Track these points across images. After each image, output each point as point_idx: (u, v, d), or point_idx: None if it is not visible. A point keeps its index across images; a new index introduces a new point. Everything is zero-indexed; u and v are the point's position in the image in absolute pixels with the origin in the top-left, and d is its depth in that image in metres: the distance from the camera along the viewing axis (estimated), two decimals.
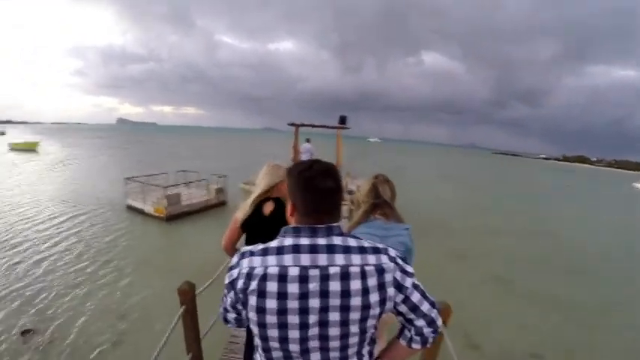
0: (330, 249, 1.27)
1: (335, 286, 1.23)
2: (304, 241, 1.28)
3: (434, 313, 1.38)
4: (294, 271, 1.23)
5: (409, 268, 1.36)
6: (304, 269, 1.24)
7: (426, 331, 1.39)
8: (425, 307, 1.36)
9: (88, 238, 11.81)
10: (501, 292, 9.59)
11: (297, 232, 1.31)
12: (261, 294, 1.25)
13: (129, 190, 15.73)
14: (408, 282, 1.33)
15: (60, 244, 11.22)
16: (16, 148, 46.77)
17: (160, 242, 12.12)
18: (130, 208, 15.52)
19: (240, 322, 1.46)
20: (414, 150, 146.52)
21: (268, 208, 2.86)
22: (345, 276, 1.24)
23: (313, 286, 1.23)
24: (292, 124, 13.42)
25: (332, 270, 1.24)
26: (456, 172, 50.97)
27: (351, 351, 1.33)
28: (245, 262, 1.31)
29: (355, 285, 1.24)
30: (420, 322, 1.37)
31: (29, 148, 46.44)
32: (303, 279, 1.23)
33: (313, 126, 13.63)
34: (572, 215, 22.62)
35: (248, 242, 2.88)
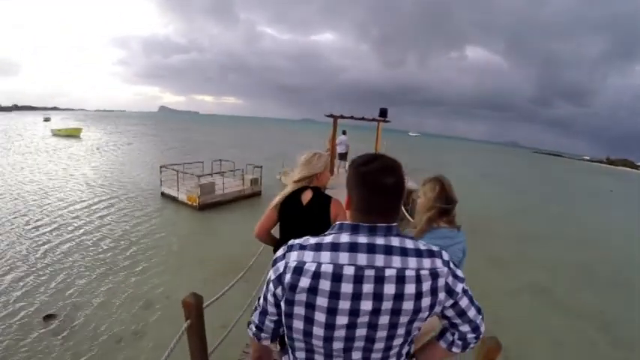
0: (388, 250, 1.21)
1: (389, 289, 1.18)
2: (362, 239, 1.22)
3: (479, 320, 1.38)
4: (349, 271, 1.18)
5: (460, 273, 1.33)
6: (360, 269, 1.18)
7: (470, 337, 1.39)
8: (472, 313, 1.35)
9: (120, 224, 11.83)
10: (540, 305, 8.95)
11: (355, 230, 1.24)
12: (312, 291, 1.19)
13: (164, 178, 15.71)
14: (459, 287, 1.30)
15: (91, 229, 11.24)
16: (58, 134, 46.83)
17: (191, 231, 11.97)
18: (165, 196, 15.54)
19: (276, 331, 1.44)
20: (454, 146, 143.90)
21: (307, 196, 2.72)
22: (400, 279, 1.18)
23: (367, 287, 1.17)
24: (331, 116, 13.00)
25: (388, 272, 1.18)
26: (497, 171, 49.37)
27: (393, 352, 1.30)
28: (293, 255, 1.25)
29: (410, 289, 1.19)
30: (465, 328, 1.37)
31: (72, 134, 46.73)
32: (358, 279, 1.17)
33: (353, 118, 13.15)
34: (618, 225, 21.39)
35: (283, 231, 2.81)
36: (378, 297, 1.17)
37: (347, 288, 1.17)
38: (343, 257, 1.19)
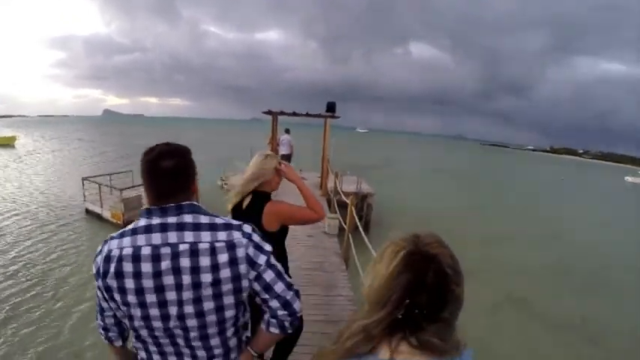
0: (180, 227, 1.29)
1: (185, 262, 1.25)
2: (156, 220, 1.29)
3: (289, 295, 1.40)
4: (146, 251, 1.26)
5: (267, 246, 1.39)
6: (156, 248, 1.26)
7: (281, 313, 1.39)
8: (279, 287, 1.38)
9: (30, 252, 10.05)
10: (519, 318, 8.23)
11: (149, 214, 1.32)
12: (119, 274, 1.26)
13: (89, 192, 13.74)
14: (261, 259, 1.35)
15: None
16: None
17: None
18: (89, 213, 13.62)
19: (121, 327, 1.46)
20: (402, 140, 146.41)
21: (247, 201, 2.53)
22: (194, 253, 1.26)
23: (166, 264, 1.25)
24: (269, 113, 11.42)
25: (182, 247, 1.26)
26: (447, 165, 49.37)
27: (212, 331, 1.34)
28: (106, 247, 1.33)
29: (204, 262, 1.26)
30: (275, 303, 1.38)
31: (5, 144, 42.21)
32: (156, 257, 1.25)
33: (295, 114, 11.61)
34: (577, 214, 21.43)
35: None
36: (176, 271, 1.25)
37: (147, 267, 1.25)
38: (140, 239, 1.27)
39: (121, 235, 1.31)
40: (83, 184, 13.78)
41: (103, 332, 1.48)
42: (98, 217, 13.01)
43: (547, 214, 20.01)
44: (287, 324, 1.41)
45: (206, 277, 1.25)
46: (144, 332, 1.33)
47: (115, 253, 1.27)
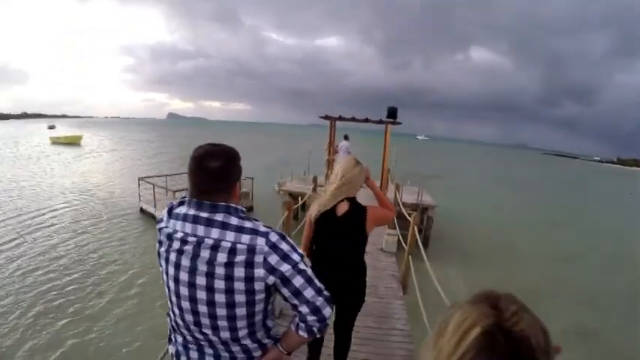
0: (210, 223, 1.39)
1: (205, 253, 1.36)
2: (191, 212, 1.42)
3: (319, 302, 1.43)
4: (178, 235, 1.41)
5: (295, 255, 1.42)
6: (185, 234, 1.40)
7: (310, 319, 1.43)
8: (308, 292, 1.41)
9: (86, 248, 10.26)
10: (590, 355, 7.04)
11: (188, 204, 1.45)
12: (160, 243, 1.48)
13: (144, 192, 13.81)
14: (285, 267, 1.38)
15: (48, 250, 9.80)
16: (57, 142, 43.96)
17: None
18: (144, 212, 13.72)
19: None
20: (463, 149, 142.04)
21: (342, 208, 2.60)
22: (214, 248, 1.36)
23: (188, 247, 1.38)
24: (326, 117, 10.89)
25: (206, 241, 1.37)
26: (510, 175, 46.69)
27: (222, 324, 1.41)
28: (165, 214, 1.52)
29: (222, 258, 1.35)
30: (304, 309, 1.42)
31: (72, 142, 44.11)
32: (184, 242, 1.39)
33: (354, 120, 11.00)
34: None
35: (316, 240, 2.73)
36: (194, 257, 1.37)
37: (175, 245, 1.41)
38: (177, 224, 1.43)
39: (170, 211, 1.50)
40: (139, 184, 13.88)
41: None
42: (152, 217, 12.94)
43: (617, 232, 18.07)
44: (315, 329, 1.45)
45: (219, 270, 1.34)
46: (172, 300, 1.48)
47: (162, 224, 1.49)
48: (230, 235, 1.36)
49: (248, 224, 1.40)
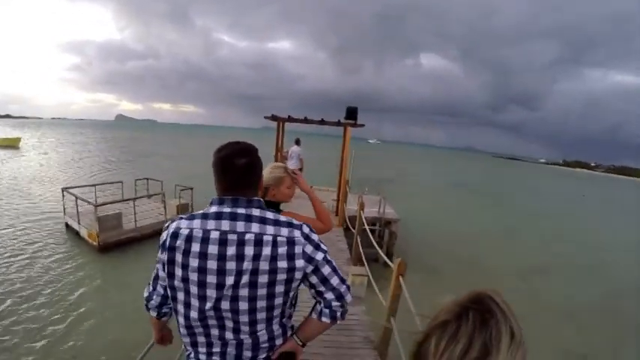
0: (248, 218, 1.42)
1: (249, 250, 1.37)
2: (226, 209, 1.43)
3: (343, 289, 1.53)
4: (214, 235, 1.39)
5: (323, 245, 1.52)
6: (224, 233, 1.39)
7: (335, 305, 1.53)
8: (335, 280, 1.51)
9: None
10: None
11: (221, 203, 1.46)
12: (186, 252, 1.39)
13: (70, 205, 11.63)
14: (319, 256, 1.48)
15: None
16: None
17: (85, 288, 8.30)
18: (69, 228, 11.70)
19: (164, 299, 1.61)
20: (414, 152, 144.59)
21: None
22: (258, 242, 1.38)
23: (232, 249, 1.37)
24: (274, 118, 9.41)
25: (247, 236, 1.38)
26: (466, 179, 47.20)
27: (260, 316, 1.44)
28: (173, 225, 1.46)
29: (266, 251, 1.37)
30: (330, 295, 1.51)
31: (9, 145, 41.79)
32: (223, 242, 1.38)
33: (307, 121, 9.54)
34: (614, 237, 19.19)
35: None
36: (240, 258, 1.37)
37: (213, 249, 1.38)
38: (210, 224, 1.40)
39: (192, 217, 1.45)
40: (63, 195, 11.76)
41: (145, 300, 1.66)
42: (77, 235, 11.13)
43: (581, 238, 17.84)
44: (338, 314, 1.55)
45: (264, 265, 1.37)
46: (194, 314, 1.42)
47: (184, 231, 1.40)
48: (270, 229, 1.41)
49: (282, 218, 1.47)
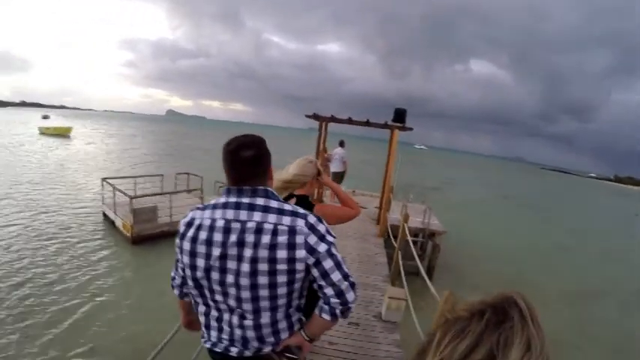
0: (251, 207, 1.45)
1: (250, 237, 1.40)
2: (232, 199, 1.49)
3: (344, 286, 1.48)
4: (220, 223, 1.45)
5: (329, 237, 1.49)
6: (228, 222, 1.44)
7: (334, 301, 1.48)
8: (336, 276, 1.46)
9: (28, 257, 8.67)
10: None
11: (228, 193, 1.52)
12: (194, 240, 1.47)
13: (108, 195, 11.42)
14: (322, 247, 1.44)
15: None
16: (46, 132, 44.17)
17: (112, 278, 8.17)
18: (107, 218, 11.70)
19: (184, 280, 1.65)
20: (461, 160, 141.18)
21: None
22: (258, 230, 1.41)
23: (234, 236, 1.41)
24: (315, 117, 8.86)
25: (249, 224, 1.42)
26: (514, 191, 45.07)
27: (264, 304, 1.46)
28: (189, 214, 1.55)
29: (265, 239, 1.40)
30: (329, 291, 1.47)
31: (61, 134, 43.89)
32: (226, 230, 1.43)
33: (351, 122, 8.93)
34: None
35: None
36: (240, 244, 1.41)
37: (218, 237, 1.43)
38: (217, 213, 1.47)
39: (204, 208, 1.53)
40: (102, 185, 11.68)
41: (171, 279, 1.75)
42: (113, 225, 11.10)
43: (635, 261, 16.36)
44: (338, 312, 1.50)
45: (263, 253, 1.39)
46: (207, 293, 1.51)
47: (197, 221, 1.48)
48: (272, 218, 1.42)
49: (287, 207, 1.48)
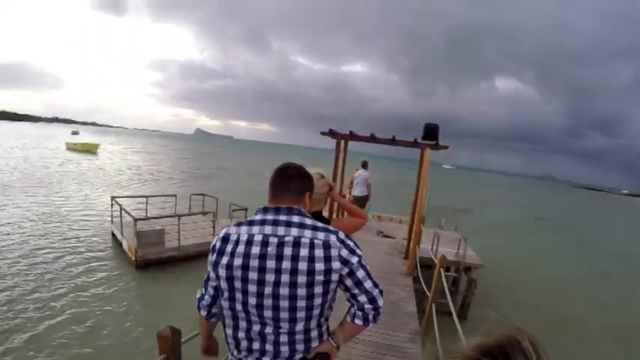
0: (288, 224, 1.53)
1: (288, 251, 1.46)
2: (269, 217, 1.56)
3: (376, 292, 1.59)
4: (258, 237, 1.50)
5: (358, 250, 1.57)
6: (266, 237, 1.50)
7: (367, 307, 1.58)
8: (368, 284, 1.57)
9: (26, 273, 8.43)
10: None
11: (265, 211, 1.59)
12: (232, 253, 1.50)
13: (117, 214, 10.80)
14: (354, 259, 1.53)
15: None
16: (73, 148, 44.48)
17: (109, 306, 7.47)
18: (115, 238, 11.13)
19: (214, 300, 1.71)
20: (489, 179, 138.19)
21: None
22: (296, 244, 1.47)
23: (271, 249, 1.47)
24: (332, 135, 7.82)
25: (287, 239, 1.48)
26: (547, 212, 42.82)
27: (300, 315, 1.49)
28: (223, 231, 1.61)
29: (304, 252, 1.46)
30: (363, 298, 1.57)
31: (88, 150, 44.08)
32: (264, 243, 1.48)
33: (374, 140, 7.81)
34: None
35: None
36: (279, 257, 1.46)
37: (255, 250, 1.48)
38: (255, 229, 1.53)
39: (239, 225, 1.58)
40: (112, 204, 11.04)
41: (197, 301, 1.78)
42: (120, 247, 10.45)
43: None
44: (371, 317, 1.60)
45: (303, 265, 1.45)
46: (238, 307, 1.52)
47: (233, 237, 1.53)
48: (308, 233, 1.50)
49: (320, 224, 1.56)
